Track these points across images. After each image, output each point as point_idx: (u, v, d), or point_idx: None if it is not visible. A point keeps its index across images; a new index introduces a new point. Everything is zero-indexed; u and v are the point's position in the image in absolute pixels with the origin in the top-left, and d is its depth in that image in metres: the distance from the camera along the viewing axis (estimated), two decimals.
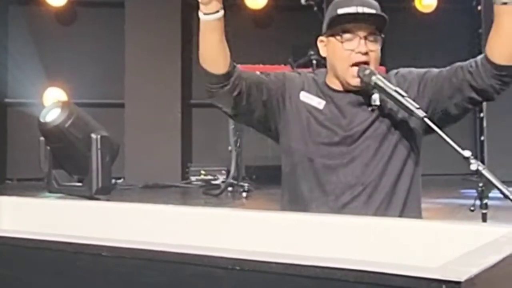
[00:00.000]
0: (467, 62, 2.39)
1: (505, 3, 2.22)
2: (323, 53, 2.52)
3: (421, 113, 2.20)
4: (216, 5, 2.22)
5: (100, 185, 5.73)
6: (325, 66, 2.59)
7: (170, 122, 10.66)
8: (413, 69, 2.52)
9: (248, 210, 2.10)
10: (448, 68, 2.43)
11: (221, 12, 2.24)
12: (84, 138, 5.79)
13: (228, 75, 2.31)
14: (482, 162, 10.87)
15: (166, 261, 1.16)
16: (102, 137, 5.79)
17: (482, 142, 11.39)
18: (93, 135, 5.76)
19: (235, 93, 2.34)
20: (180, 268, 1.15)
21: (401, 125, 2.44)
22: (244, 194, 8.40)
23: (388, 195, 2.40)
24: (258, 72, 2.54)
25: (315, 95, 2.49)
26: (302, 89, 2.50)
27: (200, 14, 2.25)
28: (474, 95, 2.36)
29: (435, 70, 2.47)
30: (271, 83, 2.47)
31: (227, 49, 2.32)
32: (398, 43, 10.29)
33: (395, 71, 2.53)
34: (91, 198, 5.54)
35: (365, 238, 1.60)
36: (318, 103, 2.48)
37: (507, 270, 1.15)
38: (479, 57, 2.35)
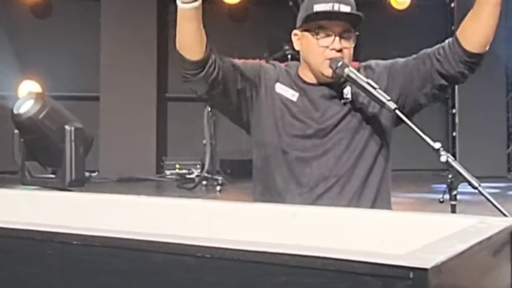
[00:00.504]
0: (434, 48, 2.42)
1: None
2: (297, 46, 2.53)
3: (392, 105, 2.23)
4: None
5: (73, 177, 5.69)
6: (299, 61, 2.59)
7: (145, 115, 10.63)
8: (380, 61, 2.54)
9: (221, 201, 2.11)
10: (414, 56, 2.46)
11: (199, 1, 2.24)
12: (58, 130, 5.74)
13: (203, 62, 2.32)
14: (454, 157, 10.93)
15: (136, 249, 1.16)
16: (76, 129, 5.75)
17: (454, 138, 11.50)
18: (67, 127, 5.71)
19: (210, 79, 2.35)
20: (151, 256, 1.15)
21: (372, 120, 2.46)
22: (218, 188, 8.41)
23: (360, 187, 2.43)
24: (236, 59, 2.53)
25: (289, 87, 2.50)
26: (277, 81, 2.51)
27: (178, 2, 2.25)
28: (443, 81, 2.40)
29: (402, 60, 2.49)
30: (247, 72, 2.48)
31: (204, 37, 2.32)
32: (373, 39, 10.34)
33: (364, 64, 2.55)
34: (64, 190, 5.50)
35: (337, 228, 1.61)
36: (292, 95, 2.49)
37: (474, 259, 1.16)
38: (446, 43, 2.38)
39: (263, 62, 2.62)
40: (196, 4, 2.24)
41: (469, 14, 2.32)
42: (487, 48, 2.35)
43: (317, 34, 2.41)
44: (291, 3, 7.55)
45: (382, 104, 2.26)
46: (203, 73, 2.33)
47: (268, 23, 10.25)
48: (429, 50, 2.43)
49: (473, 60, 2.34)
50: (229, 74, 2.40)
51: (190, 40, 2.31)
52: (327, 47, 2.40)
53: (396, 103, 2.26)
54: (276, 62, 2.65)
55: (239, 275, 1.07)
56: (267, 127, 2.48)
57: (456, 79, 2.40)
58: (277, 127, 2.46)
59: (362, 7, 2.46)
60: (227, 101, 2.46)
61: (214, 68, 2.34)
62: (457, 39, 2.35)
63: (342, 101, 2.46)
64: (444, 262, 1.00)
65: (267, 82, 2.50)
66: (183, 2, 2.24)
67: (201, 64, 2.32)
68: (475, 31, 2.32)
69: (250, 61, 2.58)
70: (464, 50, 2.33)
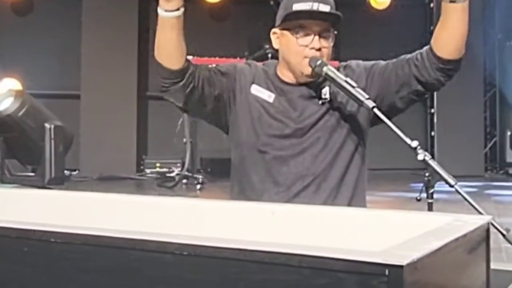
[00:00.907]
0: (413, 54, 2.43)
1: (453, 1, 2.26)
2: (275, 45, 2.54)
3: (370, 103, 2.24)
4: (177, 2, 2.21)
5: (53, 175, 5.66)
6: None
7: (125, 114, 10.60)
8: (360, 62, 2.55)
9: (200, 199, 2.11)
10: (394, 60, 2.48)
11: (182, 10, 2.22)
12: (38, 127, 5.72)
13: (182, 71, 2.31)
14: (432, 156, 11.02)
15: (114, 247, 1.16)
16: (55, 126, 5.72)
17: (432, 137, 11.59)
18: (47, 125, 5.68)
19: (187, 90, 2.34)
20: (128, 253, 1.15)
21: (349, 119, 2.47)
22: (198, 186, 8.41)
23: (336, 186, 2.44)
24: (209, 65, 2.53)
25: (265, 88, 2.51)
26: (253, 82, 2.51)
27: (160, 10, 2.23)
28: (420, 87, 2.42)
29: (382, 62, 2.51)
30: (223, 77, 2.48)
31: (184, 46, 2.31)
32: (353, 39, 10.39)
33: (344, 64, 2.56)
34: (43, 188, 5.48)
35: (315, 226, 1.62)
36: (269, 96, 2.49)
37: (449, 256, 1.17)
38: (424, 50, 2.40)
39: (238, 62, 2.61)
40: (179, 13, 2.23)
41: (439, 22, 2.34)
42: (462, 54, 2.36)
43: (296, 33, 2.42)
44: (272, 2, 7.56)
45: (360, 103, 2.27)
46: (182, 82, 2.32)
47: (248, 22, 10.25)
48: (408, 56, 2.45)
49: (449, 67, 2.35)
50: (206, 82, 2.40)
51: (170, 49, 2.29)
52: (306, 46, 2.41)
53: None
54: (252, 62, 2.65)
55: (216, 272, 1.08)
56: (244, 128, 2.48)
57: (433, 85, 2.41)
58: (254, 127, 2.47)
59: (342, 7, 2.47)
60: (204, 108, 2.46)
61: (193, 78, 2.34)
62: (431, 48, 2.36)
63: (320, 101, 2.47)
64: (419, 259, 1.01)
65: (243, 84, 2.50)
66: (165, 11, 2.22)
67: (181, 73, 2.31)
68: (447, 39, 2.33)
69: (225, 63, 2.57)
70: (439, 58, 2.34)
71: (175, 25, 2.24)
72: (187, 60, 2.33)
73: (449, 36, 2.32)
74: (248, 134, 2.47)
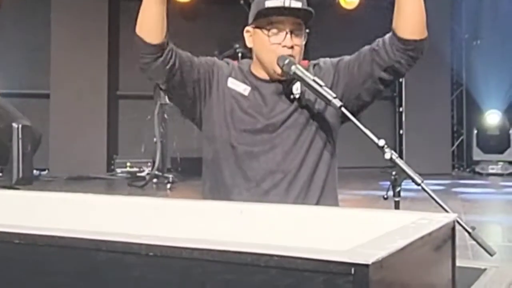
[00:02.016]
0: (374, 42, 2.46)
1: None
2: (249, 43, 2.55)
3: (338, 103, 2.25)
4: None
5: (20, 175, 5.62)
6: (251, 59, 2.60)
7: (96, 113, 10.53)
8: (328, 59, 2.57)
9: (170, 199, 2.10)
10: (357, 52, 2.50)
11: None
12: (5, 127, 5.67)
13: (162, 46, 2.34)
14: (401, 155, 11.25)
15: (78, 248, 1.15)
16: (23, 126, 5.68)
17: (401, 135, 11.70)
18: (14, 124, 5.64)
19: (168, 66, 2.36)
20: (94, 254, 1.14)
21: (318, 116, 2.49)
22: (169, 186, 8.41)
23: (306, 183, 2.46)
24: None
25: (241, 82, 2.52)
26: (230, 76, 2.53)
27: None
28: (383, 74, 2.43)
29: (347, 57, 2.53)
30: (201, 65, 2.50)
31: (165, 22, 2.35)
32: (322, 38, 10.42)
33: (313, 62, 2.57)
34: (11, 188, 5.43)
35: (284, 225, 1.62)
36: (244, 89, 2.51)
37: (415, 254, 1.18)
38: (386, 36, 2.43)
39: (216, 58, 2.63)
40: None
41: (395, 4, 2.37)
42: (423, 35, 2.38)
43: (268, 30, 2.43)
44: (242, 2, 7.56)
45: (328, 102, 2.28)
46: (161, 58, 2.34)
47: (219, 22, 10.26)
48: (369, 45, 2.47)
49: (409, 47, 2.37)
50: (185, 64, 2.43)
51: (152, 22, 2.33)
52: (279, 44, 2.42)
53: (340, 100, 2.29)
54: (229, 60, 2.67)
55: (182, 273, 1.07)
56: (217, 122, 2.49)
57: (394, 69, 2.42)
58: (226, 121, 2.48)
59: (312, 7, 2.48)
60: (183, 93, 2.47)
61: (172, 55, 2.37)
62: (393, 31, 2.39)
63: (291, 97, 2.48)
64: (385, 258, 1.01)
65: (220, 77, 2.52)
66: None
67: (160, 48, 2.34)
68: (404, 17, 2.36)
69: (204, 56, 2.59)
70: (399, 39, 2.37)
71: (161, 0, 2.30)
72: (167, 38, 2.36)
73: (406, 14, 2.36)
74: (221, 128, 2.48)
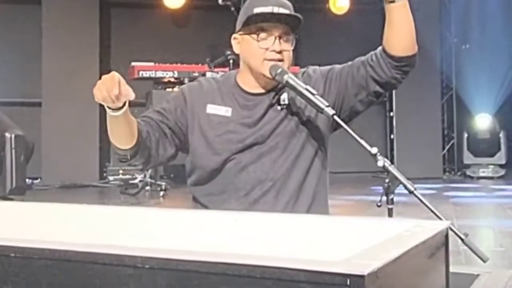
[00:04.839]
0: (367, 56, 2.48)
1: (392, 1, 2.34)
2: (236, 50, 2.55)
3: (330, 111, 2.27)
4: (121, 102, 2.21)
5: (14, 185, 5.61)
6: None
7: (88, 121, 10.51)
8: (317, 68, 2.58)
9: (162, 209, 2.10)
10: (350, 63, 2.51)
11: (126, 107, 2.25)
12: None
13: (135, 148, 2.37)
14: (392, 159, 11.29)
15: (74, 261, 1.15)
16: (16, 136, 5.67)
17: (391, 140, 11.73)
18: (7, 134, 5.63)
19: (142, 160, 2.43)
20: (89, 267, 1.14)
21: (308, 124, 2.50)
22: (162, 193, 8.39)
23: (296, 191, 2.46)
24: (157, 109, 2.55)
25: (222, 104, 2.52)
26: (207, 102, 2.52)
27: (107, 109, 2.25)
28: (378, 88, 2.46)
29: (338, 66, 2.54)
30: (171, 115, 2.51)
31: (135, 128, 2.35)
32: (313, 44, 10.47)
33: (302, 70, 2.58)
34: (4, 198, 5.42)
35: (275, 234, 1.63)
36: (226, 111, 2.51)
37: (410, 263, 1.19)
38: (378, 50, 2.45)
39: (185, 86, 2.63)
40: (124, 110, 2.24)
41: (386, 23, 2.39)
42: (414, 50, 2.41)
43: (257, 35, 2.43)
44: (233, 9, 7.56)
45: (320, 110, 2.29)
46: (136, 156, 2.40)
47: (210, 28, 10.26)
48: (363, 57, 2.48)
49: (403, 64, 2.40)
50: (159, 143, 2.46)
51: (120, 136, 2.35)
52: (267, 49, 2.43)
53: (332, 108, 2.31)
54: (203, 79, 2.67)
55: (178, 285, 1.08)
56: (205, 153, 2.49)
57: (390, 84, 2.45)
58: (214, 149, 2.48)
59: (302, 12, 2.49)
60: (164, 160, 2.53)
61: (145, 149, 2.41)
62: (384, 49, 2.41)
63: (279, 107, 2.49)
64: (380, 268, 1.02)
65: (195, 109, 2.52)
66: (112, 110, 2.24)
67: (133, 149, 2.38)
68: (396, 37, 2.38)
69: (173, 95, 2.59)
70: (392, 57, 2.39)
71: (122, 120, 2.28)
72: (139, 135, 2.37)
73: (397, 34, 2.38)
74: (209, 158, 2.48)
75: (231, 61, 7.35)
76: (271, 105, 2.49)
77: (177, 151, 2.53)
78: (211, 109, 2.51)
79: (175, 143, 2.50)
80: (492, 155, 11.50)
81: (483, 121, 11.63)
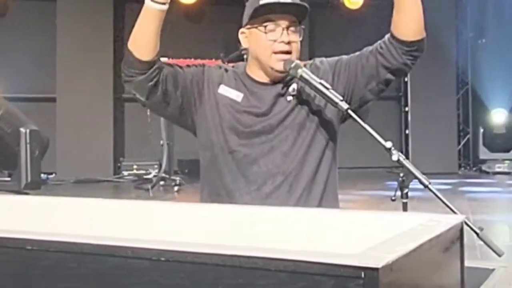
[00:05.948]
0: (375, 45, 2.48)
1: None
2: (244, 44, 2.55)
3: (344, 105, 2.27)
4: None
5: (29, 179, 5.64)
6: None
7: (102, 116, 10.55)
8: (324, 59, 2.58)
9: (177, 203, 2.11)
10: (358, 53, 2.51)
11: (167, 5, 2.28)
12: (13, 132, 5.69)
13: (150, 64, 2.34)
14: (407, 154, 11.26)
15: (90, 254, 1.16)
16: (31, 131, 5.70)
17: (407, 135, 11.68)
18: (22, 129, 5.66)
19: (150, 83, 2.36)
20: (105, 260, 1.15)
21: (317, 114, 2.49)
22: (176, 188, 8.41)
23: (308, 184, 2.45)
24: (178, 66, 2.53)
25: (234, 88, 2.52)
26: (221, 83, 2.53)
27: (147, 0, 2.27)
28: (389, 76, 2.46)
29: (346, 57, 2.54)
30: (189, 76, 2.49)
31: (158, 41, 2.34)
32: (327, 39, 10.45)
33: (309, 62, 2.57)
34: (20, 192, 5.45)
35: (293, 228, 1.63)
36: (237, 96, 2.51)
37: (424, 256, 1.19)
38: (386, 38, 2.45)
39: (208, 63, 2.63)
40: (164, 6, 2.28)
41: (394, 8, 2.39)
42: (423, 34, 2.41)
43: (265, 28, 2.43)
44: (247, 3, 7.56)
45: (334, 104, 2.29)
46: (145, 75, 2.34)
47: (224, 23, 10.24)
48: (370, 47, 2.48)
49: (413, 48, 2.40)
50: (170, 80, 2.41)
51: (147, 39, 2.32)
52: (275, 40, 2.43)
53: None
54: (222, 64, 2.67)
55: (194, 277, 1.08)
56: (213, 128, 2.49)
57: (401, 70, 2.46)
58: (222, 127, 2.47)
59: (316, 7, 2.50)
60: (167, 107, 2.46)
61: (158, 73, 2.36)
62: (392, 34, 2.41)
63: (288, 97, 2.49)
64: (394, 261, 1.02)
65: (210, 84, 2.52)
66: (152, 1, 2.26)
67: (147, 66, 2.34)
68: (404, 21, 2.38)
69: (194, 63, 2.59)
70: (401, 42, 2.39)
71: (158, 17, 2.29)
72: (157, 55, 2.35)
73: (406, 18, 2.38)
74: (217, 134, 2.48)
75: (245, 56, 7.34)
76: (280, 95, 2.49)
77: (183, 99, 2.48)
78: (223, 90, 2.52)
79: (181, 94, 2.46)
80: (508, 150, 11.44)
81: (499, 116, 11.56)
